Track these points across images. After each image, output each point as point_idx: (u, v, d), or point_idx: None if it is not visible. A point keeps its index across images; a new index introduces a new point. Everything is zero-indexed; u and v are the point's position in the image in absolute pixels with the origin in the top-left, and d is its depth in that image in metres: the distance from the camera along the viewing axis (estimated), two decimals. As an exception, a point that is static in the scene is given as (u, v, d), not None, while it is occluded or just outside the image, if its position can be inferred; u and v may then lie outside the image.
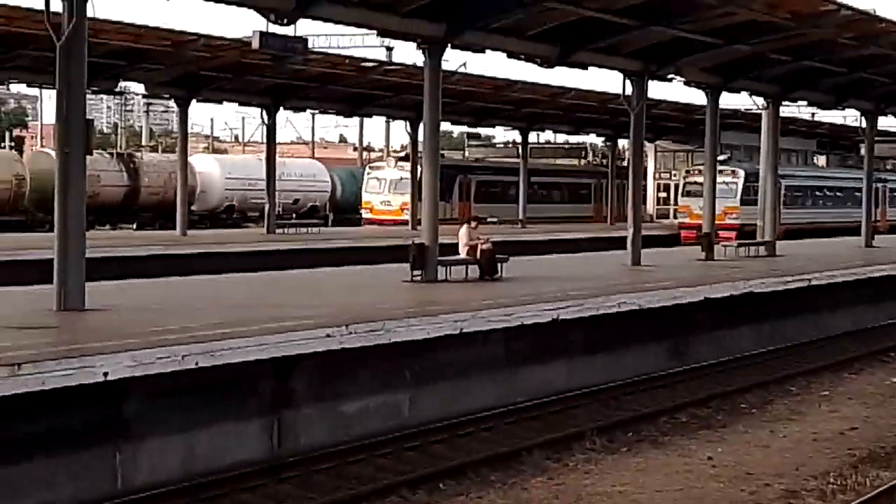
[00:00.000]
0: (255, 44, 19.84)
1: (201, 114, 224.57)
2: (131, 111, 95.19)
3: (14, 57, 29.47)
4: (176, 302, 17.57)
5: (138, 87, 38.77)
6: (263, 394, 13.93)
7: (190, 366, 12.60)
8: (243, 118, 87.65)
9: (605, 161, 62.83)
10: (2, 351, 11.77)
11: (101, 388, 11.84)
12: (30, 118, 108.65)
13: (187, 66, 32.87)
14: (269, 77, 35.14)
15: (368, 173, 52.68)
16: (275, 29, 19.48)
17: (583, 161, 67.61)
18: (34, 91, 72.21)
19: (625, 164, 57.14)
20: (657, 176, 59.15)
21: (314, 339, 14.23)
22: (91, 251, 16.64)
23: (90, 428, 12.05)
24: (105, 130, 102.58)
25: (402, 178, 48.68)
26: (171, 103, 42.43)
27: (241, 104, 43.39)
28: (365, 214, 50.72)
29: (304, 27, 61.86)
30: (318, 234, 39.80)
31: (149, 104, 77.68)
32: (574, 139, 66.55)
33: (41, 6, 16.12)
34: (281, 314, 15.67)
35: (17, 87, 68.37)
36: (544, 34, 23.42)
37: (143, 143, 72.36)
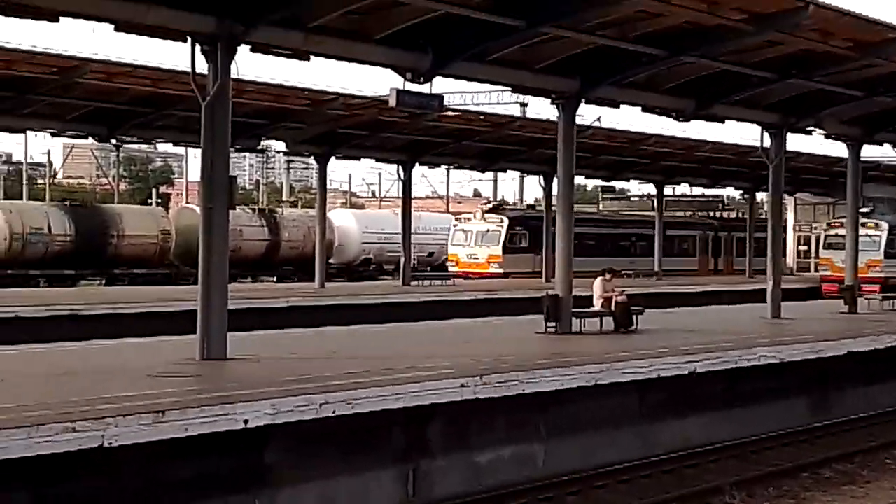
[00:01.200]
0: (392, 102, 20.18)
1: (339, 170, 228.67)
2: (272, 168, 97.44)
3: (161, 117, 30.56)
4: (314, 352, 17.89)
5: (279, 145, 39.69)
6: (399, 442, 14.07)
7: (328, 414, 12.82)
8: (380, 173, 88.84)
9: (710, 213, 62.17)
10: (147, 399, 12.18)
11: (241, 436, 12.13)
12: (176, 175, 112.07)
13: (326, 125, 33.62)
14: (405, 133, 35.70)
15: (455, 225, 51.79)
16: (411, 87, 19.84)
17: (689, 212, 64.79)
18: (180, 150, 74.73)
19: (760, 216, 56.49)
20: (797, 228, 58.01)
21: (449, 389, 14.34)
22: (233, 303, 17.09)
23: (230, 474, 12.33)
24: (247, 187, 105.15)
25: (488, 231, 48.31)
26: (311, 160, 43.31)
27: (377, 160, 44.12)
28: (451, 267, 49.64)
29: (440, 84, 62.65)
30: (453, 285, 40.04)
31: (289, 161, 79.38)
32: (711, 191, 65.67)
33: (187, 68, 16.77)
34: (416, 364, 15.83)
35: (164, 146, 70.66)
36: (680, 88, 23.36)
37: (284, 198, 74.04)
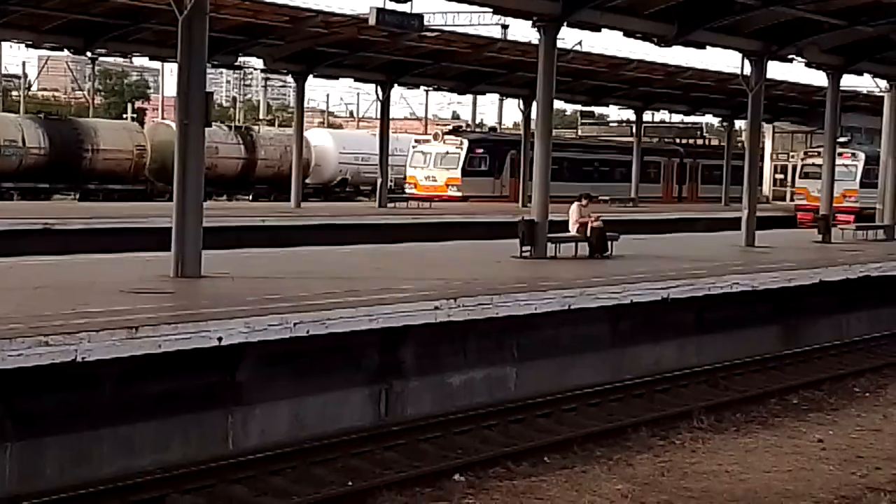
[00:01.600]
0: (372, 20, 20.06)
1: (318, 89, 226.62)
2: (250, 85, 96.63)
3: (137, 31, 30.19)
4: (289, 272, 17.89)
5: (257, 62, 39.39)
6: (372, 363, 14.14)
7: (301, 333, 12.85)
8: (358, 94, 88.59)
9: (678, 139, 61.43)
10: (121, 314, 12.18)
11: (215, 353, 12.16)
12: (151, 91, 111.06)
13: (305, 42, 33.27)
14: (384, 53, 35.39)
15: (414, 147, 50.58)
16: (392, 6, 19.64)
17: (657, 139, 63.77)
18: (156, 64, 73.76)
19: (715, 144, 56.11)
20: (774, 157, 58.05)
21: (422, 311, 14.38)
22: (208, 221, 17.02)
23: (204, 391, 12.39)
24: (224, 104, 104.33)
25: (447, 153, 47.51)
26: (289, 78, 42.97)
27: (356, 80, 43.71)
28: (409, 189, 48.50)
29: (420, 4, 62.11)
30: (429, 208, 40.03)
31: (267, 79, 78.70)
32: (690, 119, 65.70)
33: (165, -20, 16.54)
34: (391, 286, 15.86)
35: (140, 61, 69.96)
36: (662, 12, 23.19)
37: (261, 116, 73.52)
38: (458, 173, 47.25)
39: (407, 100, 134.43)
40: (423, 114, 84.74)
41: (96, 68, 78.03)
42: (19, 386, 10.62)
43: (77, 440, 11.21)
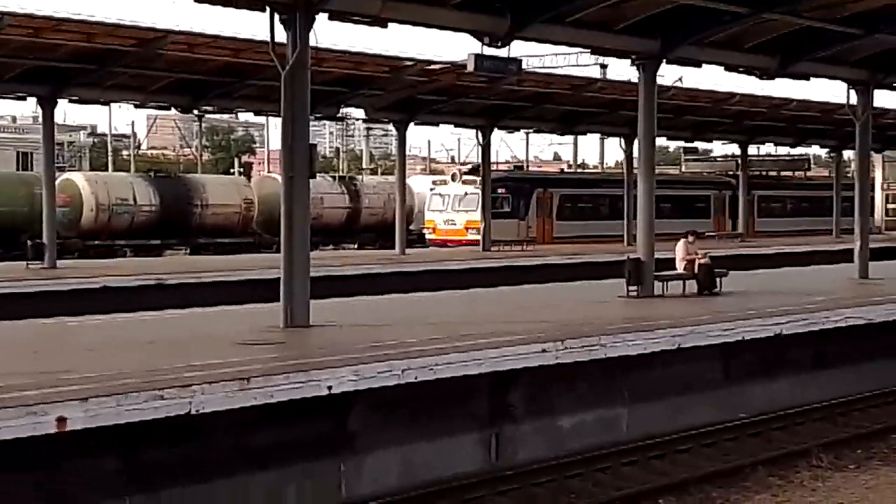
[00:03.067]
0: (470, 66, 20.10)
1: (418, 136, 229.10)
2: (352, 136, 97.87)
3: (242, 87, 30.79)
4: (396, 318, 17.98)
5: (359, 112, 39.83)
6: (481, 407, 14.11)
7: (410, 380, 12.89)
8: (459, 139, 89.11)
9: (727, 172, 56.96)
10: (232, 366, 12.35)
11: (325, 402, 12.25)
12: (257, 145, 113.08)
13: (405, 91, 33.61)
14: (483, 98, 35.57)
15: (432, 189, 48.02)
16: (489, 51, 19.76)
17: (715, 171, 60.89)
18: (261, 119, 75.31)
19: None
20: (885, 186, 56.83)
21: (531, 354, 14.33)
22: (315, 270, 17.21)
23: (316, 440, 12.47)
24: (327, 154, 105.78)
25: (466, 194, 44.49)
26: (390, 127, 43.41)
27: (456, 125, 44.04)
28: (428, 235, 46.09)
29: (518, 48, 62.23)
30: (533, 251, 39.94)
31: (369, 128, 79.73)
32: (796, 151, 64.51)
33: (266, 37, 16.86)
34: (497, 330, 15.83)
35: (245, 116, 71.36)
36: (763, 45, 22.95)
37: (364, 165, 74.33)
38: (477, 216, 42.61)
39: (507, 142, 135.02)
40: (525, 156, 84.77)
41: (203, 125, 79.86)
42: (136, 440, 10.82)
43: (193, 492, 11.36)
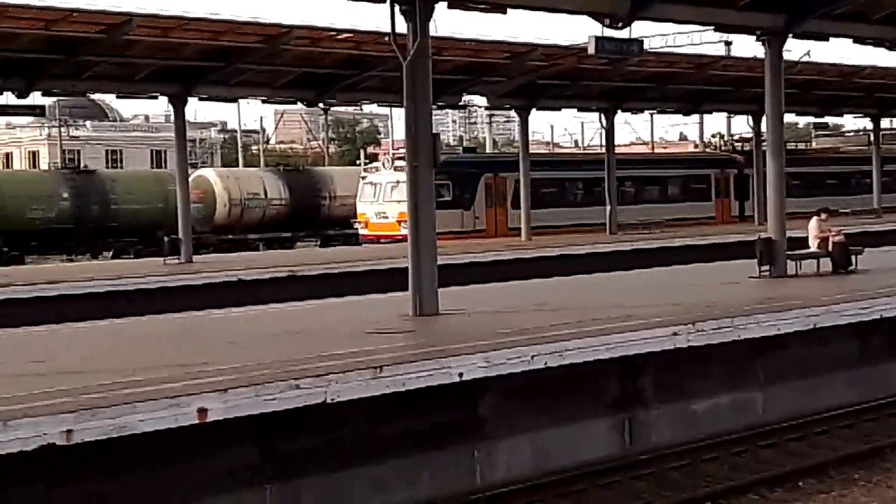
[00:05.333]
0: (592, 49, 19.95)
1: (541, 121, 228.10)
2: (474, 123, 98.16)
3: (365, 79, 31.13)
4: (523, 305, 17.99)
5: (480, 100, 39.91)
6: (612, 392, 14.05)
7: (539, 366, 12.91)
8: (582, 123, 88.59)
9: (734, 146, 53.00)
10: (365, 355, 12.53)
11: (457, 389, 12.35)
12: (382, 136, 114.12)
13: (526, 77, 33.59)
14: (606, 81, 35.33)
15: (363, 178, 41.79)
16: (610, 33, 19.61)
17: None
18: (384, 110, 75.97)
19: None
20: None
21: (660, 338, 14.21)
22: (442, 258, 17.32)
23: (448, 427, 12.58)
24: (451, 143, 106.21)
25: (398, 182, 36.33)
26: (513, 113, 43.33)
27: (579, 109, 43.77)
28: (360, 230, 40.28)
29: (639, 28, 61.55)
30: (659, 233, 39.46)
31: (491, 115, 79.78)
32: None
33: (387, 29, 17.02)
34: (625, 314, 15.74)
35: (369, 107, 72.04)
36: (892, 16, 22.30)
37: (487, 152, 74.36)
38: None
39: (631, 124, 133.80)
40: (650, 137, 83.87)
41: (329, 118, 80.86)
42: (275, 429, 11.07)
43: (330, 480, 11.57)
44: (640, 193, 44.49)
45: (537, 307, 17.45)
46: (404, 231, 33.96)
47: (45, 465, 9.59)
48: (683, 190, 46.07)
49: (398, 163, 37.39)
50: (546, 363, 12.98)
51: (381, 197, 39.32)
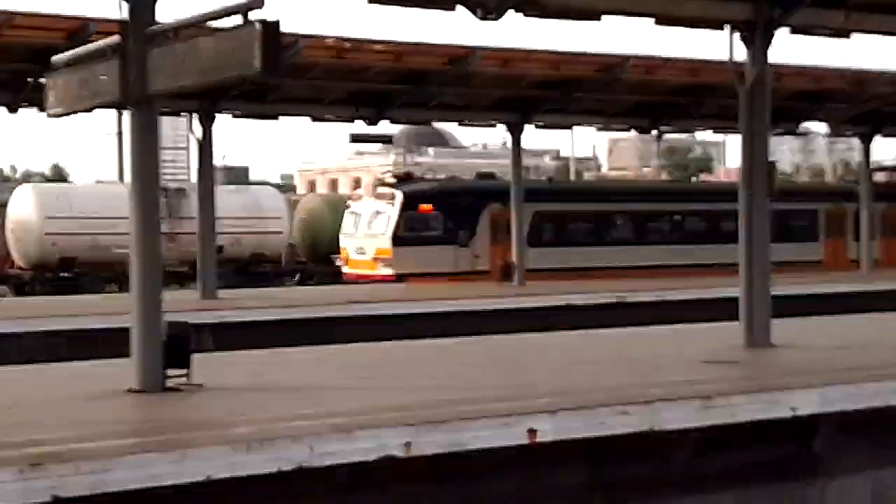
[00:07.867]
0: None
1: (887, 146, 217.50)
2: (812, 150, 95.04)
3: (699, 106, 30.95)
4: (855, 341, 17.30)
5: (819, 127, 38.77)
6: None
7: (877, 404, 12.41)
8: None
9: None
10: (694, 384, 12.47)
11: (789, 423, 12.06)
12: (715, 162, 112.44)
13: (870, 103, 32.40)
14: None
15: (347, 207, 36.21)
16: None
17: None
18: (718, 137, 74.88)
19: None
20: None
21: None
22: (776, 288, 16.96)
23: (779, 462, 12.31)
24: (787, 170, 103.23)
25: (378, 213, 32.62)
26: (854, 139, 41.71)
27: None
28: (343, 268, 35.01)
29: None
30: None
31: (831, 142, 77.05)
32: None
33: (724, 56, 16.86)
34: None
35: (702, 135, 71.22)
36: None
37: (827, 179, 71.83)
38: (386, 242, 32.04)
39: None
40: None
41: (661, 144, 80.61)
42: (600, 454, 11.20)
43: (656, 507, 11.58)
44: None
45: (868, 344, 16.70)
46: (384, 271, 31.07)
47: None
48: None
49: (380, 189, 33.72)
50: (886, 402, 12.46)
51: (360, 230, 34.06)
